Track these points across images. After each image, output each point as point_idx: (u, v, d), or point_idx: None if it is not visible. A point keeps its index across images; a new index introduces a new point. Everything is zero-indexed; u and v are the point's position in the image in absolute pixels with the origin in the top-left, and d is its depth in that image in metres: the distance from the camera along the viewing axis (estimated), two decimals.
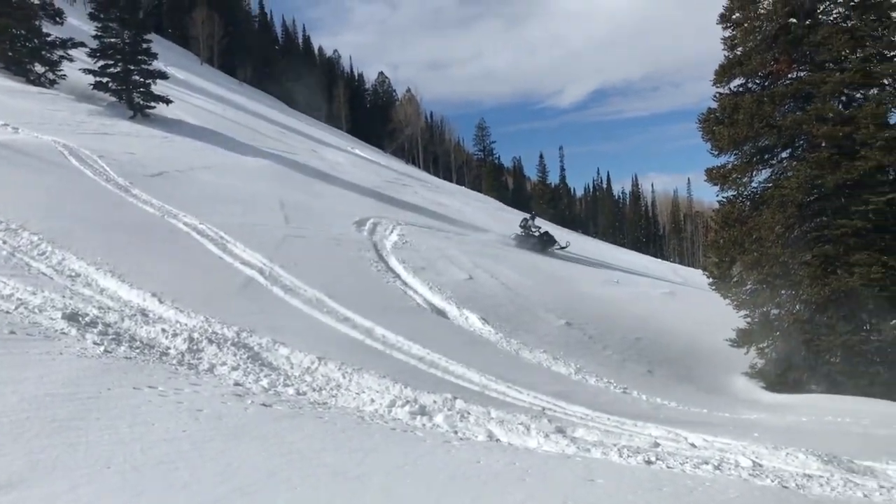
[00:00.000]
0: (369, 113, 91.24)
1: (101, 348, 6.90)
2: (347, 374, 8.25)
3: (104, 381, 5.59)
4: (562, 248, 26.02)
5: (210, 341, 8.30)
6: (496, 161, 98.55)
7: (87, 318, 8.02)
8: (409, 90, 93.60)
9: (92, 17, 28.92)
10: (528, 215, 28.52)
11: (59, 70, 28.38)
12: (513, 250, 22.89)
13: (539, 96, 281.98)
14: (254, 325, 9.41)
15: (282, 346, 8.78)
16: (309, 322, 10.73)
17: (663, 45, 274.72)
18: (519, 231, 25.99)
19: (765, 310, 14.44)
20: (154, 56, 29.16)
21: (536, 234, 25.63)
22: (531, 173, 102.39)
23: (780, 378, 13.86)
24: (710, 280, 15.44)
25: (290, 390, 7.07)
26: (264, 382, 7.13)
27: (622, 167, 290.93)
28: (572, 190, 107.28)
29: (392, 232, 19.20)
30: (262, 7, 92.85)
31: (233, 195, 18.50)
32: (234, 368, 7.52)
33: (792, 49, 14.08)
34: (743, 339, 14.47)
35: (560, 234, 30.71)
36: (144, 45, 28.78)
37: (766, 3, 14.31)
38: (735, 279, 14.84)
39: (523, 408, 8.36)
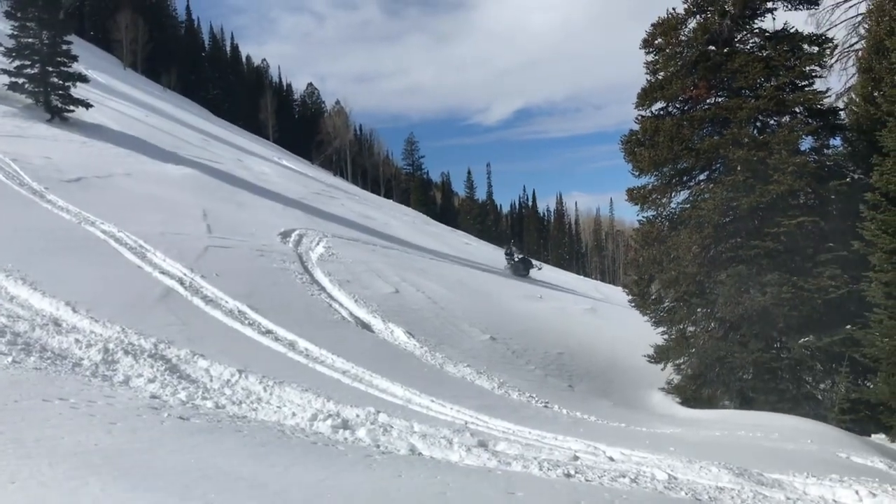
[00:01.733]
0: (297, 124, 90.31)
1: (9, 359, 6.64)
2: (269, 387, 8.14)
3: (11, 394, 5.37)
4: (538, 269, 26.86)
5: (126, 352, 8.07)
6: (425, 176, 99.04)
7: None
8: (338, 102, 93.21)
9: (8, 15, 27.75)
10: (509, 246, 29.19)
11: None
12: (437, 265, 22.98)
13: (466, 112, 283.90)
14: (172, 337, 9.19)
15: (201, 359, 8.60)
16: (230, 334, 10.53)
17: (584, 67, 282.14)
18: (506, 262, 27.23)
19: (681, 327, 14.87)
20: (74, 58, 28.15)
21: (516, 259, 26.39)
22: (459, 189, 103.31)
23: (695, 393, 14.26)
24: (630, 297, 15.81)
25: (209, 403, 6.91)
26: (182, 395, 6.96)
27: (548, 185, 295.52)
28: (499, 206, 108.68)
29: (318, 244, 19.03)
30: (189, 12, 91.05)
31: (154, 203, 18.05)
32: (151, 381, 7.33)
33: (710, 75, 14.62)
34: (660, 355, 14.85)
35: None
36: (64, 47, 27.76)
37: (686, 30, 14.84)
38: (653, 297, 15.27)
39: (446, 422, 8.38)
